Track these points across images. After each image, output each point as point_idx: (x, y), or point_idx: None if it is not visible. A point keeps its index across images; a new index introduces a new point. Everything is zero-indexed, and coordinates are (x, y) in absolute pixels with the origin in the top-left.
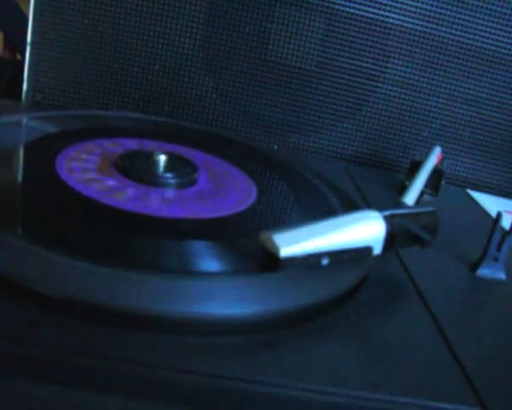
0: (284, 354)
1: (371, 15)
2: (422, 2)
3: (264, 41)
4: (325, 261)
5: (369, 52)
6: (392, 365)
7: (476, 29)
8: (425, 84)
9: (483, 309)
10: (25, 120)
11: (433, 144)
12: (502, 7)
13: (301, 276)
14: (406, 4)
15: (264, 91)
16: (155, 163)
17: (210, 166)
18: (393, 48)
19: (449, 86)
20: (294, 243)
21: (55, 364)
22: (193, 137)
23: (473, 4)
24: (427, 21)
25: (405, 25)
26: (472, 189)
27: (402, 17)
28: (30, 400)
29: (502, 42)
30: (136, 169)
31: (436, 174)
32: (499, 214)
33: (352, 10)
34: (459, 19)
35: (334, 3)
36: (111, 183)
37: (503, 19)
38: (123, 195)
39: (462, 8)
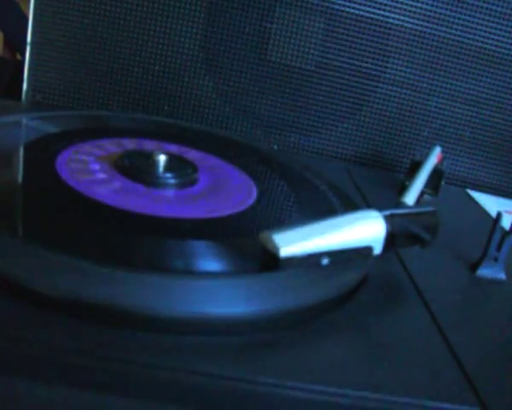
0: (284, 354)
1: (371, 15)
2: (422, 2)
3: (264, 41)
4: (325, 261)
5: (369, 52)
6: (392, 365)
7: (476, 29)
8: (425, 84)
9: (483, 309)
10: (25, 120)
11: (433, 144)
12: (502, 7)
13: (301, 276)
14: (406, 4)
15: (264, 91)
16: (155, 163)
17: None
18: (393, 48)
19: (449, 86)
20: (294, 243)
21: (55, 364)
22: (193, 137)
23: (473, 4)
24: (427, 21)
25: (405, 25)
26: (472, 189)
27: (402, 17)
28: (30, 400)
29: (502, 42)
30: (136, 169)
31: (436, 174)
32: (499, 214)
33: (352, 10)
34: (459, 19)
35: (334, 3)
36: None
37: (503, 19)
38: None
39: (462, 8)
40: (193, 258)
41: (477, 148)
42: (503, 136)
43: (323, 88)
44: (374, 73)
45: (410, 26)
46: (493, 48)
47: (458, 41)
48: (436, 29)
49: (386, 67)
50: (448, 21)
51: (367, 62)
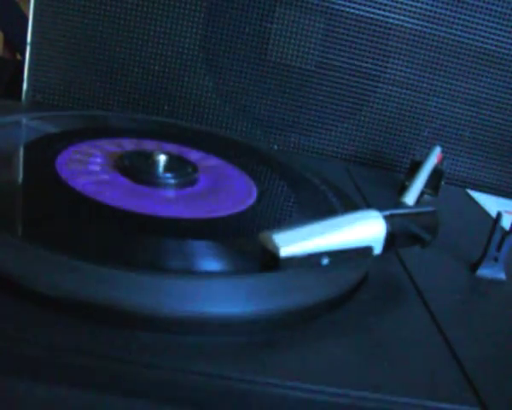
0: (284, 354)
1: (371, 15)
2: (422, 2)
3: (264, 41)
4: (325, 261)
5: (369, 52)
6: (392, 365)
7: (476, 29)
8: (425, 84)
9: (483, 309)
10: (25, 121)
11: (433, 144)
12: (502, 7)
13: (301, 276)
14: (406, 4)
15: (264, 91)
16: (155, 163)
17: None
18: (393, 48)
19: (449, 86)
20: (294, 243)
21: (55, 364)
22: (193, 137)
23: (473, 4)
24: (427, 21)
25: (405, 25)
26: (472, 189)
27: (402, 17)
28: (30, 400)
29: (502, 42)
30: (136, 169)
31: (436, 174)
32: (499, 214)
33: (352, 10)
34: (459, 19)
35: (334, 3)
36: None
37: (503, 19)
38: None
39: (462, 8)
40: (193, 258)
41: (477, 148)
42: (503, 136)
43: (323, 88)
44: (374, 73)
45: (410, 26)
46: (493, 48)
47: (458, 41)
48: (436, 29)
49: (386, 67)
50: (448, 21)
51: (367, 62)
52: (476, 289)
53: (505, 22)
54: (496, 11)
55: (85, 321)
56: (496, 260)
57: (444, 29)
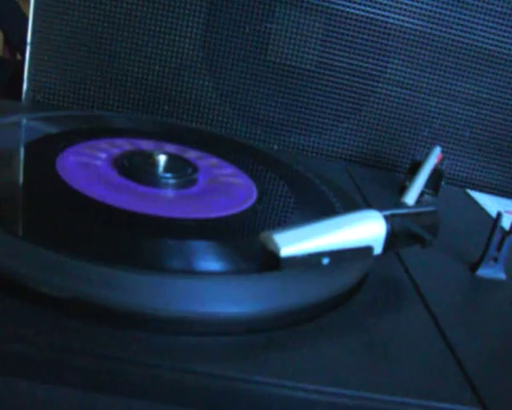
0: (284, 354)
1: (371, 15)
2: (422, 3)
3: (264, 41)
4: (326, 261)
5: (369, 52)
6: (392, 365)
7: (476, 29)
8: (425, 84)
9: (483, 309)
10: (25, 121)
11: (433, 144)
12: (502, 7)
13: (302, 276)
14: (406, 4)
15: (264, 91)
16: (155, 163)
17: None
18: (393, 48)
19: (449, 86)
20: (295, 243)
21: (55, 364)
22: (193, 137)
23: (473, 4)
24: (427, 21)
25: (405, 25)
26: (472, 189)
27: (402, 17)
28: (30, 400)
29: (502, 42)
30: (136, 169)
31: (436, 174)
32: (499, 214)
33: (352, 10)
34: (459, 19)
35: (333, 3)
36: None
37: (503, 19)
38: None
39: (462, 8)
40: (193, 258)
41: (477, 148)
42: (503, 136)
43: (323, 88)
44: (374, 73)
45: (410, 26)
46: (493, 48)
47: (458, 41)
48: (436, 29)
49: (386, 67)
50: (448, 21)
51: (367, 62)
52: (476, 289)
53: (505, 22)
54: (496, 11)
55: (85, 321)
56: (496, 260)
57: (444, 29)
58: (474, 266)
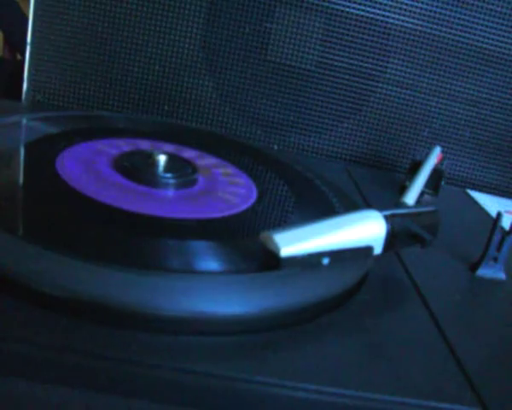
0: (284, 354)
1: (371, 15)
2: (422, 3)
3: (264, 41)
4: (326, 261)
5: (369, 52)
6: (392, 365)
7: (476, 29)
8: (425, 84)
9: (483, 309)
10: (25, 121)
11: (433, 144)
12: (502, 7)
13: (302, 275)
14: (406, 4)
15: (264, 91)
16: (155, 163)
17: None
18: (393, 48)
19: (449, 86)
20: (295, 243)
21: (55, 364)
22: (193, 137)
23: (473, 4)
24: (427, 21)
25: (405, 25)
26: (472, 189)
27: (402, 17)
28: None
29: (502, 42)
30: (136, 169)
31: (436, 174)
32: (499, 214)
33: (352, 10)
34: (459, 19)
35: (333, 3)
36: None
37: (503, 19)
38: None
39: (462, 8)
40: (193, 258)
41: (477, 148)
42: (503, 136)
43: (323, 88)
44: (374, 73)
45: (410, 26)
46: (493, 48)
47: (458, 41)
48: (436, 29)
49: (386, 67)
50: (448, 21)
51: (367, 62)
52: (476, 290)
53: (505, 22)
54: (496, 11)
55: (85, 321)
56: (496, 260)
57: (444, 29)
58: (474, 266)
